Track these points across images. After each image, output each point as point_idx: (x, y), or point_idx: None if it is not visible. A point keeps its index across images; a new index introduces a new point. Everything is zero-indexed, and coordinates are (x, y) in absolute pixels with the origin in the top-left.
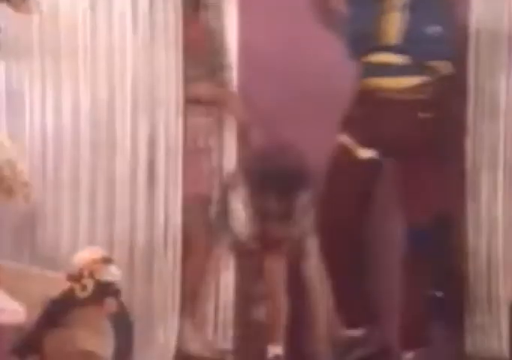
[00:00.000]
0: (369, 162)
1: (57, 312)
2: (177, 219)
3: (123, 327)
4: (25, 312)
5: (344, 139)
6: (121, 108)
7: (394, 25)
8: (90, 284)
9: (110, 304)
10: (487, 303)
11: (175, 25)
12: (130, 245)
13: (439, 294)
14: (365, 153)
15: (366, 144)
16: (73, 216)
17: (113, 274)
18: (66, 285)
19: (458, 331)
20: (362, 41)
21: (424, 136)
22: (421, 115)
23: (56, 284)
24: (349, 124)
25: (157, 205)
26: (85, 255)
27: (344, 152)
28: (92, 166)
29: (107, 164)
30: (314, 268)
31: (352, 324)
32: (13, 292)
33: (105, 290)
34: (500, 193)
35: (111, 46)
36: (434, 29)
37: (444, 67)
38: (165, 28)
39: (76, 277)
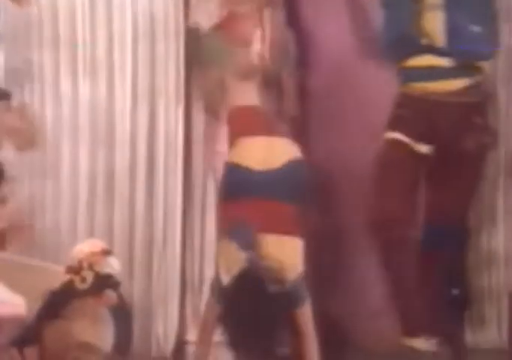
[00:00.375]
0: (423, 157)
1: (57, 304)
2: (177, 211)
3: (122, 319)
4: (25, 304)
5: (397, 135)
6: (120, 99)
7: (435, 25)
8: (90, 276)
9: (110, 296)
10: (487, 294)
11: (175, 15)
12: (129, 237)
13: (455, 291)
14: (422, 148)
15: (420, 140)
16: (73, 208)
17: (113, 266)
18: (66, 277)
19: (458, 322)
20: (402, 44)
21: (470, 138)
22: (471, 118)
23: (56, 276)
24: (399, 123)
25: (156, 197)
26: (84, 247)
27: (399, 147)
28: (92, 157)
29: (107, 156)
30: (308, 315)
31: (413, 332)
32: (13, 285)
33: (104, 282)
34: (501, 189)
35: (110, 37)
36: (476, 28)
37: (490, 67)
38: (165, 19)
39: (75, 269)
